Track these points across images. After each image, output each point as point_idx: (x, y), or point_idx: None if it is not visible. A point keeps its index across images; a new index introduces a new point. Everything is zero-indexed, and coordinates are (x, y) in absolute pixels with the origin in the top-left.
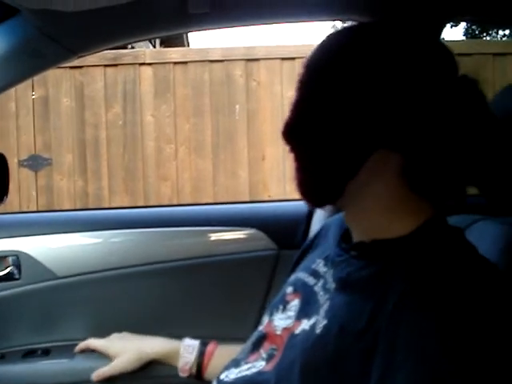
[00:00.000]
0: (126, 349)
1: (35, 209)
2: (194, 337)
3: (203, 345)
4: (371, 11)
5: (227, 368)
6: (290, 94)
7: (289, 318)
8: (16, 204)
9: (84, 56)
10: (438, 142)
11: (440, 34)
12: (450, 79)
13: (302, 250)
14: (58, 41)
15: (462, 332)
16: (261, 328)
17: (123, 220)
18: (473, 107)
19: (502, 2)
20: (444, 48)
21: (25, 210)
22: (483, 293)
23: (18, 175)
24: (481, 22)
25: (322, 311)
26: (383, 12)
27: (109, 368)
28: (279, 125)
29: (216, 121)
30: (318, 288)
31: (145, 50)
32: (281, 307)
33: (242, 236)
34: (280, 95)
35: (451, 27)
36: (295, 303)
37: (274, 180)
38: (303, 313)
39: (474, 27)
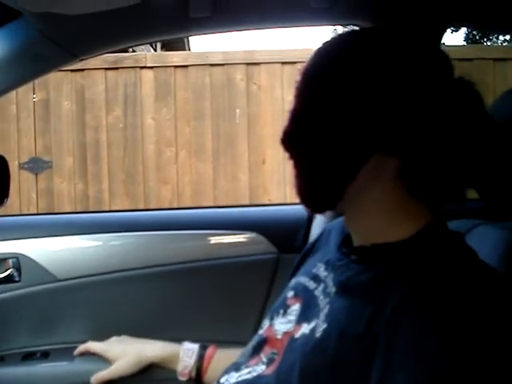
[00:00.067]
0: (126, 352)
1: (35, 211)
2: (194, 340)
3: (203, 348)
4: (373, 16)
5: (227, 372)
6: (290, 98)
7: (289, 322)
8: (16, 207)
9: (85, 59)
10: (434, 144)
11: (441, 39)
12: (445, 82)
13: (303, 254)
14: (60, 44)
15: (461, 334)
16: (261, 332)
17: (123, 223)
18: (469, 109)
19: (503, 8)
20: (439, 51)
21: (25, 212)
22: (483, 297)
23: (18, 178)
24: (481, 28)
25: (322, 315)
26: (385, 17)
27: (108, 372)
28: (280, 129)
29: (216, 124)
30: (318, 292)
31: (146, 53)
32: (281, 311)
33: (242, 240)
34: (281, 99)
35: (452, 32)
36: (296, 307)
37: (275, 184)
38: (303, 317)
39: (474, 32)
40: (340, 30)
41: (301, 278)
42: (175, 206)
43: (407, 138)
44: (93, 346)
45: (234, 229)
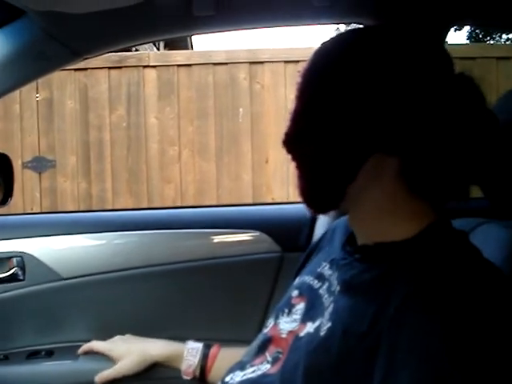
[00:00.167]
0: (130, 351)
1: (39, 210)
2: (198, 339)
3: (207, 347)
4: (375, 15)
5: (232, 370)
6: (293, 96)
7: (294, 321)
8: (20, 205)
9: (89, 58)
10: (434, 142)
11: (445, 37)
12: (446, 79)
13: (307, 253)
14: (64, 43)
15: (466, 333)
16: (266, 331)
17: (127, 222)
18: (469, 105)
19: (506, 6)
20: (439, 49)
21: (28, 211)
22: (487, 296)
23: (21, 177)
24: (484, 26)
25: (327, 314)
26: (387, 16)
27: (112, 370)
28: (283, 128)
29: (220, 123)
30: (322, 291)
31: (149, 52)
32: (286, 310)
33: (245, 238)
34: (284, 98)
35: (455, 31)
36: (301, 306)
37: (278, 183)
38: (308, 316)
39: (477, 31)
40: (343, 28)
41: (305, 277)
42: (178, 204)
43: (407, 138)
44: (97, 345)
45: (237, 227)
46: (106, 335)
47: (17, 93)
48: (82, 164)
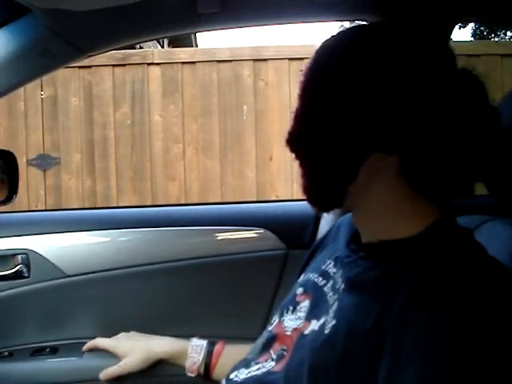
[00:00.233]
0: (135, 348)
1: (43, 208)
2: (202, 336)
3: (211, 344)
4: (381, 12)
5: (237, 368)
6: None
7: (299, 318)
8: (24, 203)
9: (93, 55)
10: (433, 140)
11: (450, 35)
12: (447, 76)
13: (312, 250)
14: (68, 40)
15: (471, 330)
16: (271, 328)
17: (131, 219)
18: (469, 101)
19: (511, 3)
20: (441, 46)
21: (33, 209)
22: (492, 293)
23: (26, 174)
24: (489, 23)
25: (331, 311)
26: (392, 13)
27: (117, 368)
28: (287, 125)
29: (224, 121)
30: (327, 289)
31: (153, 50)
32: (291, 308)
33: (250, 235)
34: (288, 95)
35: (459, 28)
36: (305, 304)
37: (282, 180)
38: (313, 314)
39: (482, 28)
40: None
41: (310, 275)
42: (182, 202)
43: (405, 136)
44: (101, 342)
45: (242, 225)
46: (110, 332)
47: (21, 90)
48: (86, 161)
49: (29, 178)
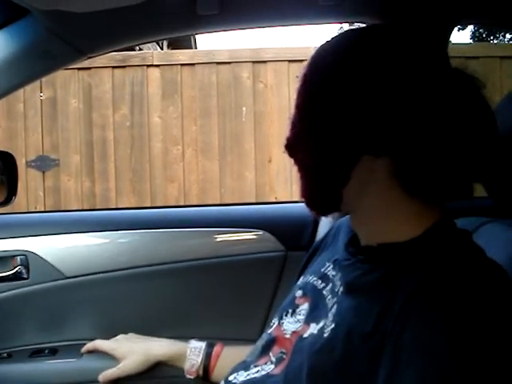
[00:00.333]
0: (133, 350)
1: (42, 209)
2: (201, 338)
3: (210, 346)
4: (381, 14)
5: (236, 370)
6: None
7: (298, 321)
8: (23, 204)
9: (93, 57)
10: (424, 141)
11: (449, 37)
12: (439, 78)
13: (311, 253)
14: (68, 41)
15: (470, 331)
16: (270, 331)
17: (130, 221)
18: (461, 104)
19: (510, 6)
20: (433, 47)
21: (32, 210)
22: (491, 295)
23: (25, 176)
24: (488, 25)
25: (330, 315)
26: (392, 15)
27: (116, 370)
28: (286, 127)
29: (223, 123)
30: (326, 292)
31: (152, 51)
32: (290, 311)
33: (249, 237)
34: (287, 97)
35: (458, 30)
36: (305, 307)
37: (281, 182)
38: (312, 317)
39: (481, 30)
40: (346, 27)
41: (309, 277)
42: (182, 203)
43: (394, 138)
44: (100, 344)
45: (241, 226)
46: (109, 334)
47: (21, 92)
48: (85, 163)
49: (28, 179)
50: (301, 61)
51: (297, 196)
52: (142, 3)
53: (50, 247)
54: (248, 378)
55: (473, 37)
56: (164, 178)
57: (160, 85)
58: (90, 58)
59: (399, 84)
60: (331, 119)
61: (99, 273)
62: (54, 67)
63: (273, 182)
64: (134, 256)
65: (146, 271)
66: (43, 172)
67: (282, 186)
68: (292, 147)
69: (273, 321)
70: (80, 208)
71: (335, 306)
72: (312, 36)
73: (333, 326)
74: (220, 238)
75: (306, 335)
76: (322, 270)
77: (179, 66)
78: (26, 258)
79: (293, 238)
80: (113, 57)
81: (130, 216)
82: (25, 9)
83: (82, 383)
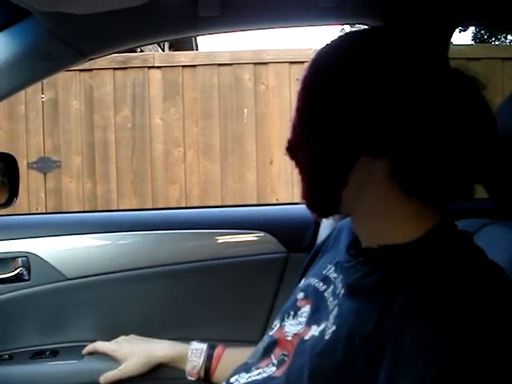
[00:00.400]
0: (134, 352)
1: (44, 211)
2: (202, 339)
3: (211, 348)
4: (382, 16)
5: (237, 372)
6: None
7: (299, 324)
8: (25, 206)
9: (94, 59)
10: (423, 141)
11: (450, 38)
12: (438, 78)
13: (312, 255)
14: (69, 43)
15: (471, 333)
16: (272, 333)
17: (132, 222)
18: (459, 103)
19: (511, 7)
20: (434, 47)
21: (34, 211)
22: (492, 297)
23: (27, 177)
24: (489, 27)
25: (331, 317)
26: (393, 17)
27: (117, 371)
28: (287, 129)
29: (224, 124)
30: (328, 294)
31: (154, 53)
32: (292, 313)
33: (250, 239)
34: (288, 99)
35: (460, 32)
36: (306, 309)
37: (282, 184)
38: (313, 319)
39: (482, 32)
40: (348, 29)
41: (311, 280)
42: (183, 205)
43: (392, 139)
44: (101, 345)
45: (242, 228)
46: (110, 335)
47: (22, 93)
48: (86, 164)
49: (29, 180)
50: (302, 62)
51: (298, 197)
52: (143, 5)
53: (51, 249)
54: (249, 380)
55: (474, 38)
56: (165, 179)
57: (161, 86)
58: (91, 59)
59: (398, 86)
60: (331, 120)
61: (100, 274)
62: (55, 69)
63: (274, 183)
64: (136, 257)
65: (147, 273)
66: (44, 173)
67: (283, 187)
68: (293, 149)
69: (274, 323)
70: (81, 210)
71: (336, 308)
72: (313, 37)
73: (334, 328)
74: (221, 239)
75: (307, 337)
76: (324, 272)
77: (180, 68)
78: (27, 260)
79: (294, 240)
80: (114, 58)
81: (132, 217)
82: (26, 10)
83: None
